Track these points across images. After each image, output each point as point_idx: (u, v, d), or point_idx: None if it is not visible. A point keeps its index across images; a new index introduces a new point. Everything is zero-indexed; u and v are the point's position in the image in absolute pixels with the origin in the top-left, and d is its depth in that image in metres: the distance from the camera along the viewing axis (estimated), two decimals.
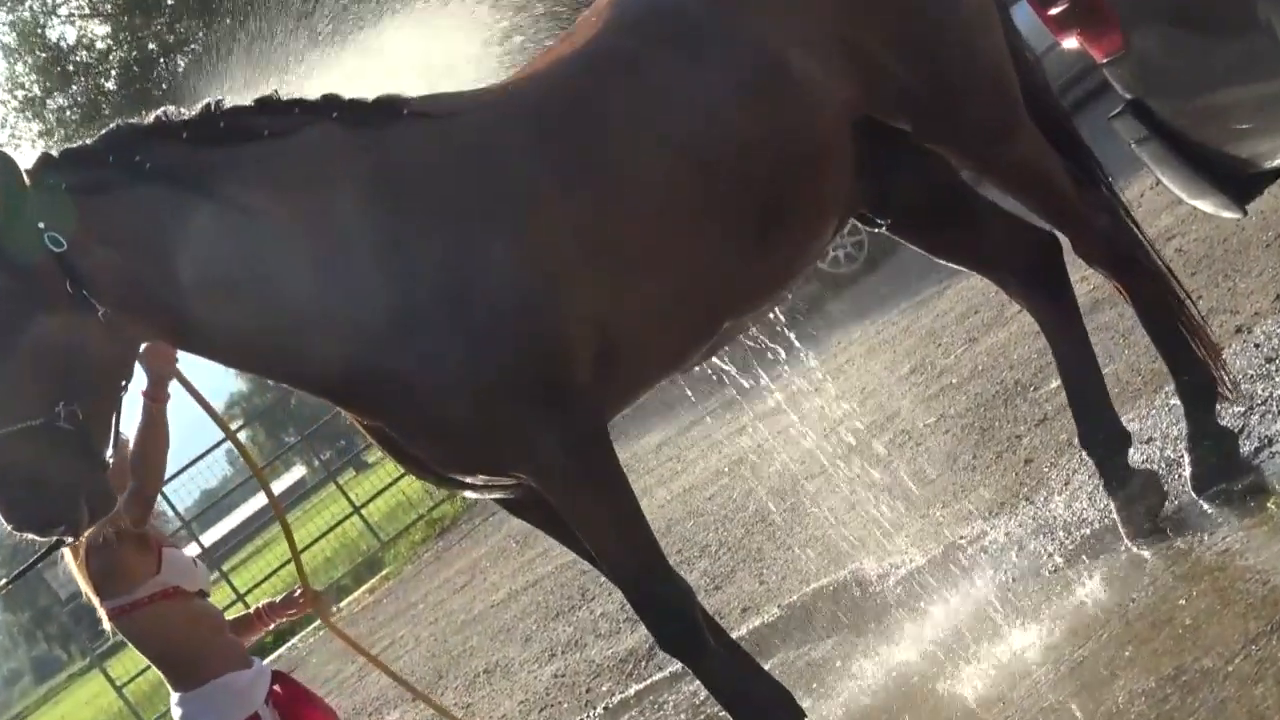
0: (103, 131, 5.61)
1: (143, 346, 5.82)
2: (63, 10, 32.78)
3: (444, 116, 5.80)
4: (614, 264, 5.71)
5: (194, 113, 5.60)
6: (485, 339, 5.43)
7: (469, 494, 6.13)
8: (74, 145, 5.58)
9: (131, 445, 6.38)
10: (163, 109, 5.63)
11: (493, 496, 6.21)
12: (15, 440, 5.12)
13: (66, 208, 5.31)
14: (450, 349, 5.40)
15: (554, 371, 5.54)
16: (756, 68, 5.99)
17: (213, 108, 5.61)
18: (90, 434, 5.27)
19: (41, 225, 5.24)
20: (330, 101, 5.70)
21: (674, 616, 5.76)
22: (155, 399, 6.35)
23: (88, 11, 32.76)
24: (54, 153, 5.53)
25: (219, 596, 28.56)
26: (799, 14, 6.09)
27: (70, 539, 5.64)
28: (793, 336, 7.84)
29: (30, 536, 5.44)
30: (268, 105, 5.67)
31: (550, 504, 5.86)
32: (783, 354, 8.03)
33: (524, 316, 5.48)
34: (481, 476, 5.84)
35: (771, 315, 7.13)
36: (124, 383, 5.54)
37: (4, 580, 7.04)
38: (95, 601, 6.82)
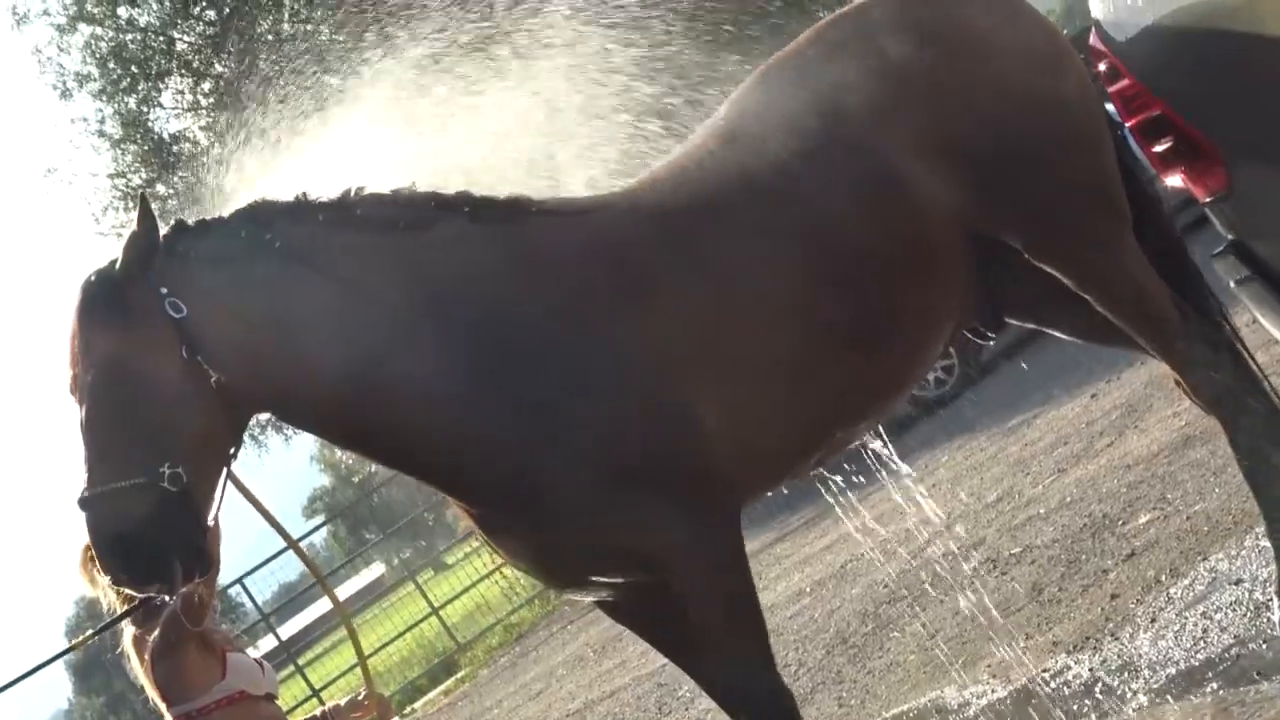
0: (240, 206, 5.71)
1: None
2: (166, 102, 33.26)
3: (571, 214, 5.90)
4: (728, 363, 5.74)
5: (332, 197, 5.71)
6: (612, 424, 5.46)
7: (572, 592, 6.12)
8: (210, 217, 5.68)
9: None
10: (302, 190, 5.73)
11: (596, 595, 6.18)
12: (119, 496, 5.19)
13: (191, 275, 5.42)
14: (578, 434, 5.43)
15: (682, 456, 5.57)
16: (871, 176, 6.04)
17: (351, 193, 5.71)
18: (193, 497, 5.33)
19: (165, 290, 5.36)
20: (463, 197, 5.80)
21: (780, 715, 5.74)
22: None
23: (186, 106, 33.22)
24: (189, 221, 5.63)
25: (295, 690, 28.65)
26: (912, 124, 6.13)
27: (165, 597, 5.68)
28: (884, 456, 7.83)
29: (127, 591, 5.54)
30: (404, 196, 5.77)
31: (650, 606, 5.93)
32: (871, 474, 8.03)
33: (652, 402, 5.54)
34: (602, 568, 5.81)
35: (856, 443, 7.12)
36: (232, 450, 5.60)
37: (90, 633, 7.10)
38: (163, 708, 6.88)
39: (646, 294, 5.69)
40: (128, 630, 6.99)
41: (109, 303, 5.37)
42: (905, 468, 8.11)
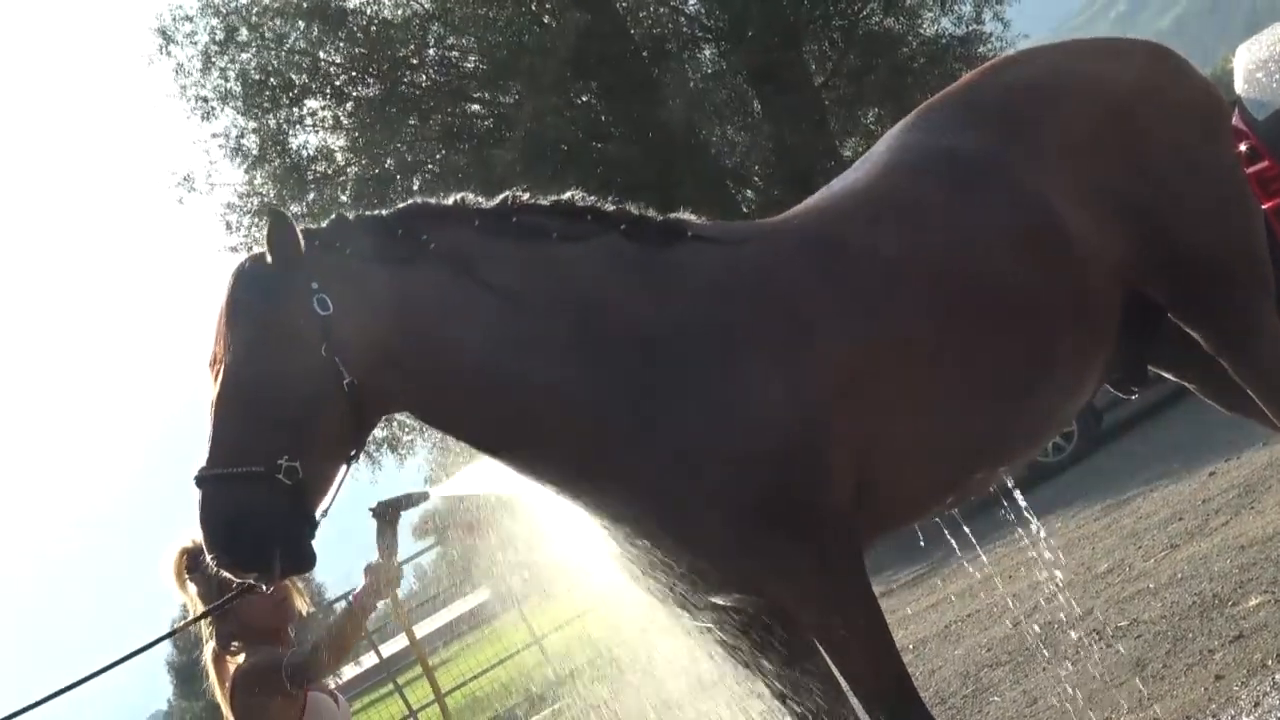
0: (400, 205, 5.81)
1: (373, 562, 6.38)
2: (308, 121, 33.61)
3: (725, 242, 5.93)
4: (877, 399, 5.73)
5: (492, 203, 5.79)
6: (749, 457, 5.45)
7: (689, 618, 6.12)
8: (369, 213, 5.77)
9: (324, 627, 6.59)
10: (462, 194, 5.83)
11: (713, 623, 6.17)
12: (234, 480, 5.29)
13: (343, 272, 5.51)
14: (715, 464, 5.43)
15: (812, 494, 5.55)
16: (1031, 217, 6.04)
17: (510, 201, 5.80)
18: (305, 493, 5.41)
19: (315, 285, 5.45)
20: (621, 214, 5.88)
21: None
22: (362, 608, 6.69)
23: (330, 124, 33.57)
24: (349, 216, 5.72)
25: (393, 710, 28.72)
26: (1080, 172, 6.15)
27: (263, 586, 5.73)
28: (1005, 515, 7.80)
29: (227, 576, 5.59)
30: (562, 208, 5.85)
31: (764, 636, 5.90)
32: (986, 533, 7.99)
33: (789, 438, 5.51)
34: (725, 596, 5.79)
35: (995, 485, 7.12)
36: (353, 452, 5.68)
37: (181, 625, 7.16)
38: None
39: (794, 330, 5.69)
40: (208, 646, 7.05)
41: (260, 288, 5.47)
42: (1022, 527, 8.07)
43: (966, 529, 8.41)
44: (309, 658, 6.93)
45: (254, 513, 5.28)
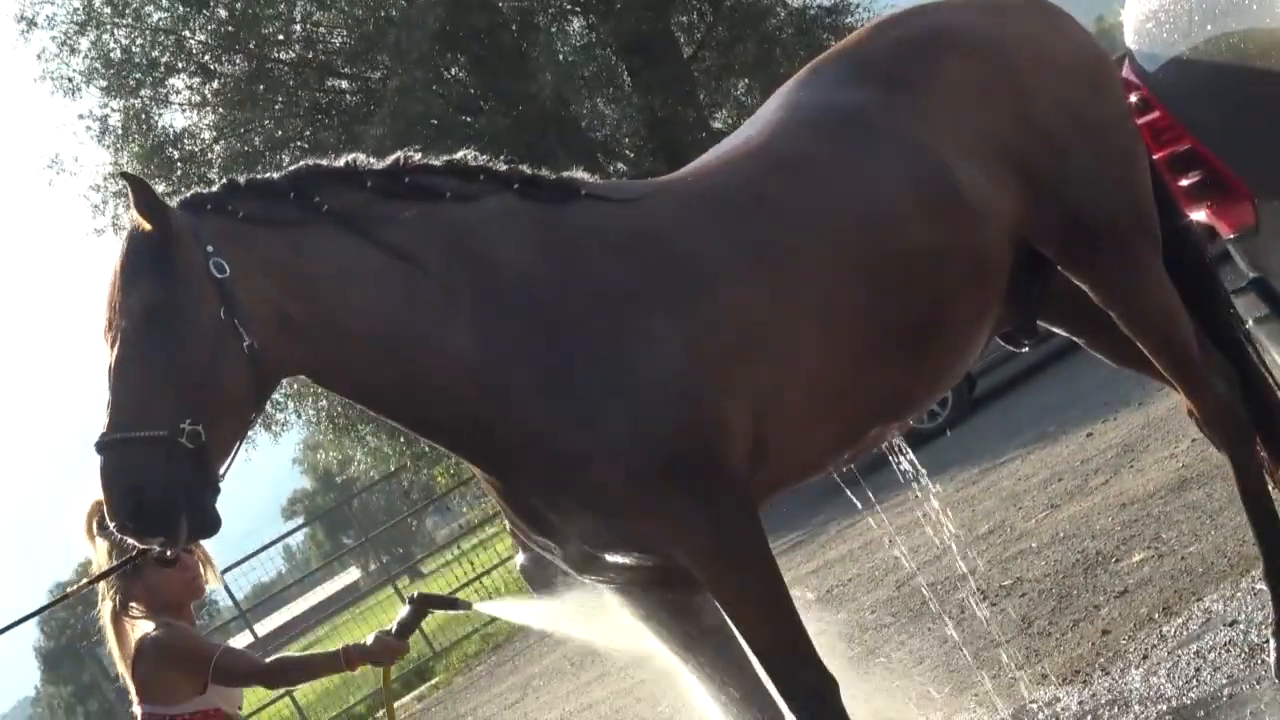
0: (291, 167, 5.76)
1: (387, 634, 6.64)
2: (173, 100, 33.32)
3: (619, 200, 5.94)
4: (774, 355, 5.74)
5: (383, 164, 5.76)
6: (645, 415, 5.47)
7: (588, 574, 6.11)
8: (260, 176, 5.72)
9: (305, 660, 6.68)
10: (353, 155, 5.79)
11: (612, 582, 6.16)
12: (136, 446, 5.22)
13: (238, 235, 5.46)
14: (610, 421, 5.44)
15: (710, 453, 5.55)
16: (927, 176, 6.05)
17: (402, 161, 5.77)
18: (208, 456, 5.35)
19: (210, 249, 5.39)
20: (514, 173, 5.85)
21: (822, 702, 5.73)
22: (348, 661, 6.83)
23: (196, 102, 33.28)
24: (240, 180, 5.66)
25: (264, 690, 28.58)
26: (970, 129, 6.17)
27: (168, 551, 5.66)
28: (898, 468, 7.84)
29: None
30: (455, 168, 5.83)
31: (666, 599, 6.00)
32: (862, 498, 8.03)
33: (686, 397, 5.52)
34: (622, 555, 5.80)
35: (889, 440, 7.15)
36: (253, 415, 5.68)
37: (84, 581, 7.07)
38: (134, 699, 6.86)
39: (690, 285, 5.69)
40: (106, 605, 6.94)
41: (154, 254, 5.39)
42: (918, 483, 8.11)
43: (849, 493, 8.42)
44: (265, 669, 7.10)
45: (157, 477, 5.22)
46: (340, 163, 5.75)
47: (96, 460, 5.27)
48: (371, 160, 5.80)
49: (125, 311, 5.34)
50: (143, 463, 5.21)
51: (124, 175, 5.55)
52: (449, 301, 5.53)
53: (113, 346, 5.35)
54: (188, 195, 5.65)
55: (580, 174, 6.08)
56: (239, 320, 5.35)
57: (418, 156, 5.84)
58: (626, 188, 6.15)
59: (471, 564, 29.07)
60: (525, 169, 5.94)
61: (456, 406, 5.58)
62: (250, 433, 24.99)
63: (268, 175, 5.73)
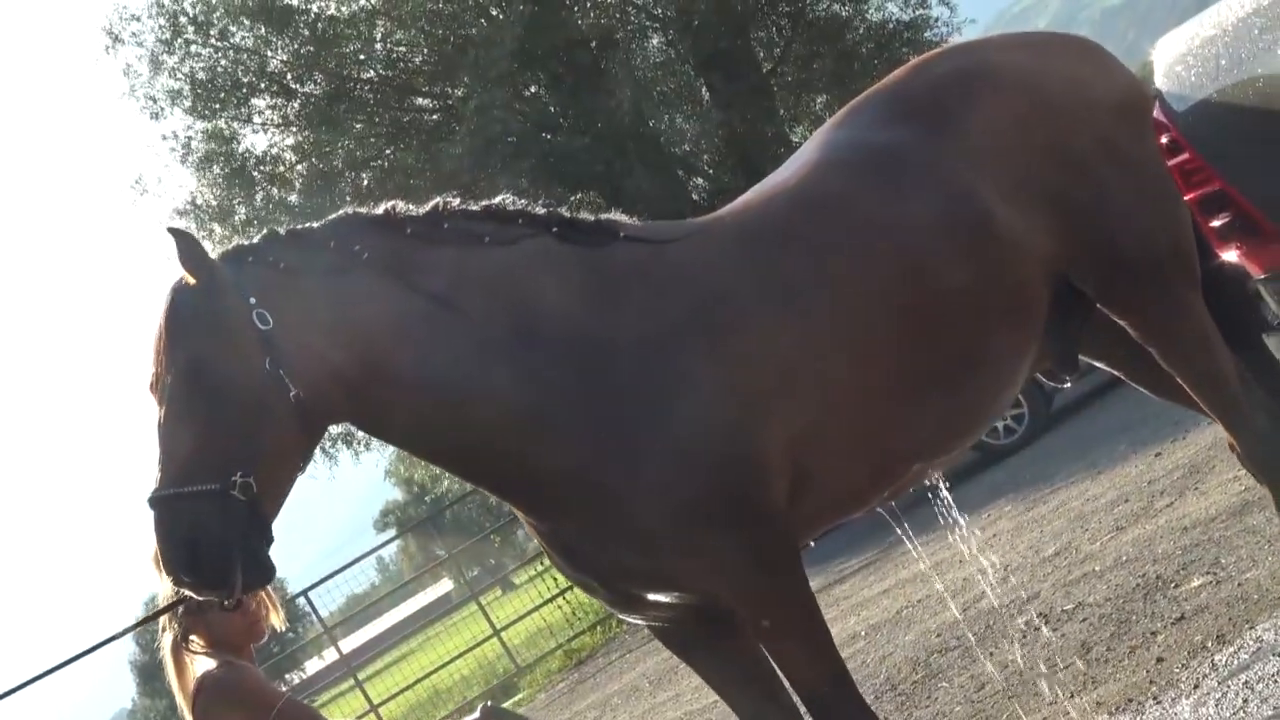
0: (331, 216, 5.85)
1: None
2: (255, 120, 33.55)
3: (657, 241, 6.00)
4: (811, 393, 5.80)
5: (423, 209, 5.85)
6: (685, 454, 5.53)
7: (629, 613, 6.19)
8: (299, 226, 5.83)
9: None
10: (393, 202, 5.88)
11: (654, 620, 6.25)
12: (188, 501, 5.31)
13: (281, 286, 5.55)
14: (651, 461, 5.51)
15: (749, 491, 5.62)
16: (963, 215, 6.12)
17: (441, 208, 5.85)
18: (260, 507, 5.43)
19: (253, 300, 5.48)
20: (553, 216, 5.93)
21: None
22: None
23: (277, 122, 33.52)
24: (281, 230, 5.77)
25: (354, 704, 28.78)
26: (1008, 166, 6.23)
27: (227, 601, 5.76)
28: (949, 501, 7.89)
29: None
30: (493, 212, 5.90)
31: (705, 636, 6.06)
32: (937, 519, 8.08)
33: (725, 436, 5.59)
34: (664, 593, 5.87)
35: (931, 478, 7.20)
36: (302, 464, 5.72)
37: (146, 616, 7.17)
38: None
39: (728, 325, 5.75)
40: (167, 636, 7.04)
41: (198, 307, 5.49)
42: (953, 521, 8.15)
43: (906, 515, 8.48)
44: None
45: (212, 530, 5.30)
46: (380, 210, 5.84)
47: (150, 515, 5.35)
48: (411, 206, 5.87)
49: (171, 366, 5.43)
50: (196, 517, 5.30)
51: (170, 230, 5.63)
52: (490, 345, 5.61)
53: (160, 401, 5.45)
54: (229, 248, 5.74)
55: (619, 215, 6.16)
56: (284, 371, 5.44)
57: (456, 202, 5.92)
58: (665, 229, 6.23)
59: (555, 579, 29.11)
60: (564, 212, 6.02)
61: (499, 449, 5.66)
62: (331, 448, 25.10)
63: (308, 225, 5.82)
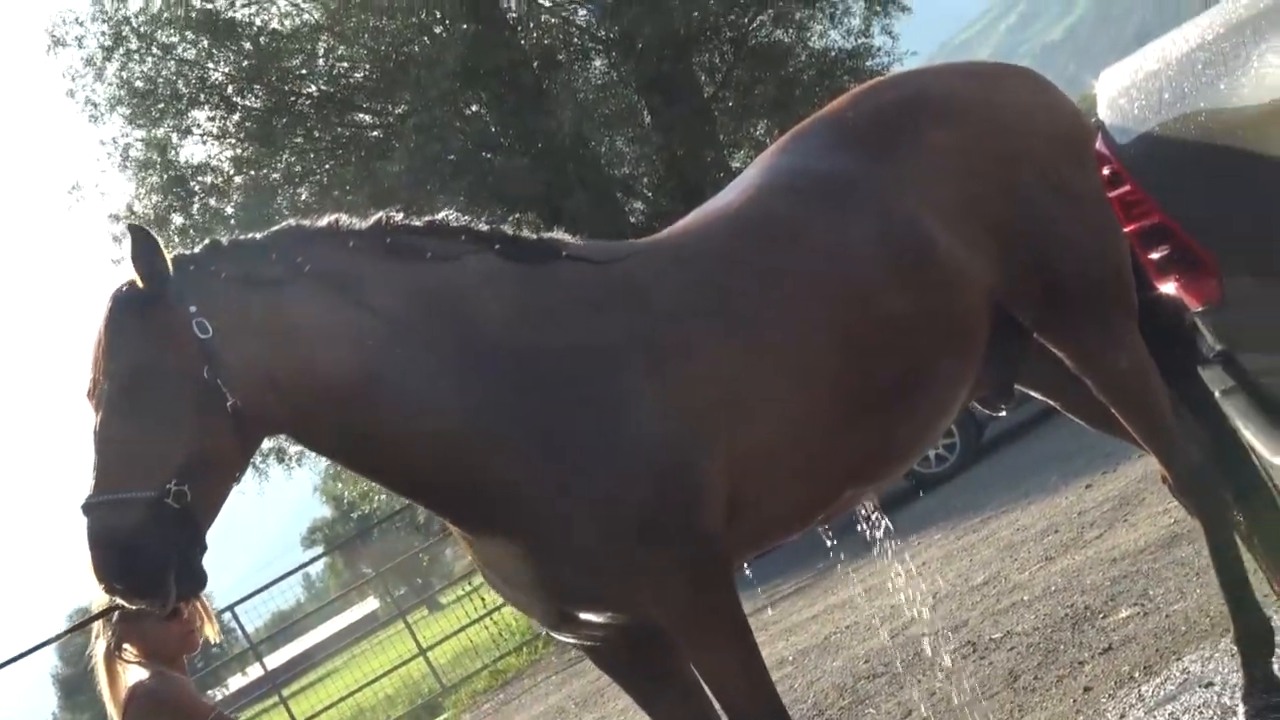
0: (274, 228, 5.82)
1: None
2: (195, 131, 33.43)
3: (600, 261, 5.98)
4: (751, 417, 5.79)
5: (366, 223, 5.81)
6: (623, 475, 5.51)
7: (561, 631, 6.17)
8: (243, 237, 5.78)
9: None
10: (336, 215, 5.85)
11: (588, 640, 6.23)
12: (122, 506, 5.24)
13: (221, 295, 5.50)
14: (589, 481, 5.49)
15: (686, 513, 5.59)
16: (906, 242, 6.14)
17: (384, 222, 5.82)
18: (195, 515, 5.38)
19: (194, 309, 5.43)
20: (495, 233, 5.91)
21: None
22: None
23: (217, 134, 33.39)
24: (223, 240, 5.73)
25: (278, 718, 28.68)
26: (951, 194, 6.26)
27: (160, 609, 5.71)
28: (884, 527, 7.92)
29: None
30: (436, 228, 5.88)
31: (637, 656, 6.06)
32: (868, 546, 8.11)
33: (665, 457, 5.56)
34: (599, 612, 5.86)
35: (864, 505, 7.22)
36: (237, 474, 5.66)
37: (76, 624, 7.12)
38: None
39: (670, 346, 5.74)
40: (100, 644, 6.99)
41: (137, 314, 5.44)
42: (892, 546, 8.18)
43: (839, 540, 8.50)
44: None
45: (146, 538, 5.24)
46: (323, 222, 5.81)
47: (82, 521, 5.29)
48: (354, 220, 5.85)
49: (109, 373, 5.38)
50: (130, 524, 5.23)
51: (130, 227, 5.59)
52: (430, 361, 5.58)
53: (97, 407, 5.39)
54: (171, 256, 5.71)
55: (562, 234, 6.16)
56: (223, 380, 5.39)
57: (399, 216, 5.90)
58: (607, 249, 6.21)
59: (483, 599, 29.07)
60: (507, 229, 6.02)
61: (438, 466, 5.62)
62: (261, 464, 25.01)
63: (251, 235, 5.78)
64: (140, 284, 5.45)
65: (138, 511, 5.25)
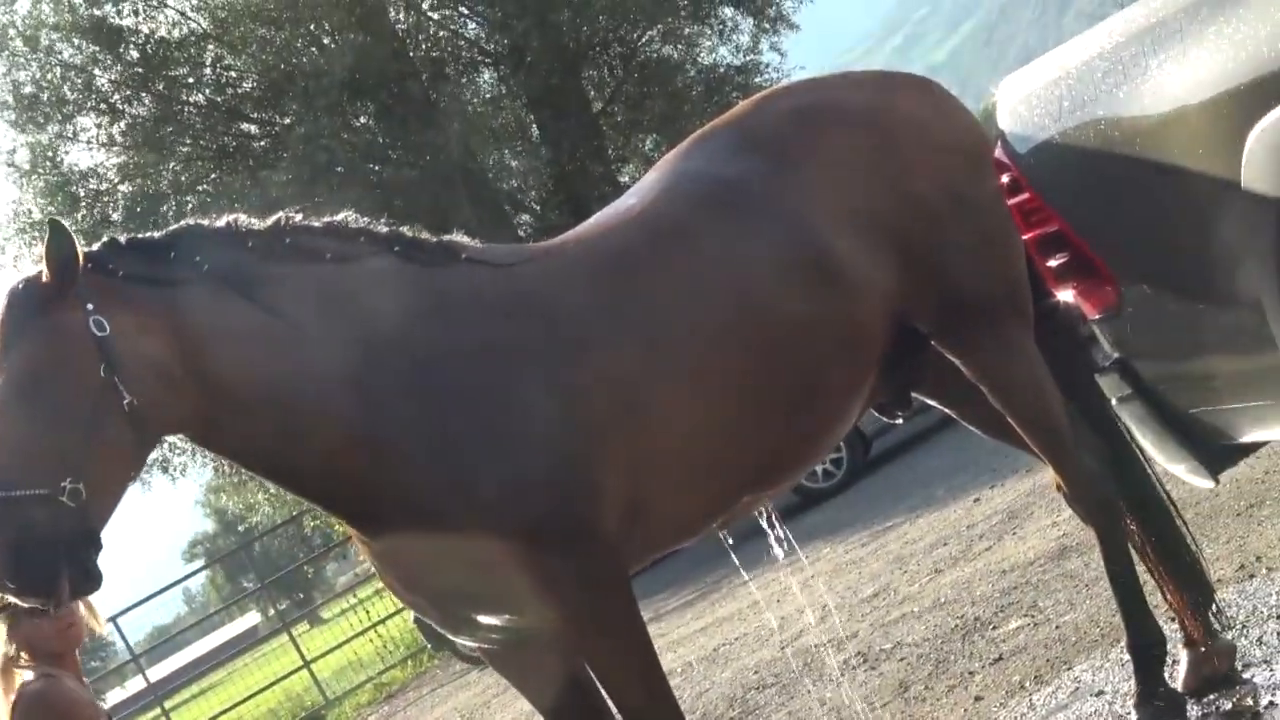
0: (172, 227, 5.75)
1: None
2: (81, 138, 33.11)
3: (499, 264, 5.95)
4: (647, 421, 5.78)
5: (265, 224, 5.76)
6: (518, 477, 5.49)
7: (460, 634, 6.12)
8: (141, 235, 5.71)
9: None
10: (235, 216, 5.79)
11: (485, 642, 6.18)
12: (15, 505, 5.16)
13: (119, 294, 5.43)
14: (483, 483, 5.46)
15: (582, 516, 5.59)
16: (804, 248, 6.13)
17: (283, 222, 5.77)
18: (90, 514, 5.30)
19: (91, 307, 5.36)
20: (394, 236, 5.88)
21: None
22: None
23: (103, 141, 33.09)
24: (121, 238, 5.66)
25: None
26: (849, 201, 6.26)
27: (54, 608, 5.64)
28: (779, 535, 7.91)
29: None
30: (335, 229, 5.84)
31: (534, 659, 6.02)
32: (758, 557, 8.11)
33: (560, 461, 5.56)
34: (494, 615, 5.83)
35: (761, 511, 7.22)
36: (134, 473, 5.61)
37: None
38: None
39: (565, 349, 5.73)
40: None
41: (33, 312, 5.37)
42: (788, 556, 8.18)
43: (734, 556, 8.49)
44: None
45: (38, 536, 5.17)
46: (221, 223, 5.75)
47: None
48: (253, 221, 5.80)
49: (5, 369, 5.31)
50: (23, 521, 5.16)
51: (50, 221, 5.51)
52: (325, 362, 5.53)
53: None
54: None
55: (461, 237, 6.12)
56: (119, 378, 5.32)
57: (299, 217, 5.85)
58: (506, 252, 6.19)
59: (368, 612, 28.96)
60: (407, 231, 5.98)
61: (332, 468, 5.57)
62: (145, 475, 24.76)
63: (149, 235, 5.71)
64: (48, 278, 5.37)
65: (30, 509, 5.17)
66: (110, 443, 5.36)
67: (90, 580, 5.37)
